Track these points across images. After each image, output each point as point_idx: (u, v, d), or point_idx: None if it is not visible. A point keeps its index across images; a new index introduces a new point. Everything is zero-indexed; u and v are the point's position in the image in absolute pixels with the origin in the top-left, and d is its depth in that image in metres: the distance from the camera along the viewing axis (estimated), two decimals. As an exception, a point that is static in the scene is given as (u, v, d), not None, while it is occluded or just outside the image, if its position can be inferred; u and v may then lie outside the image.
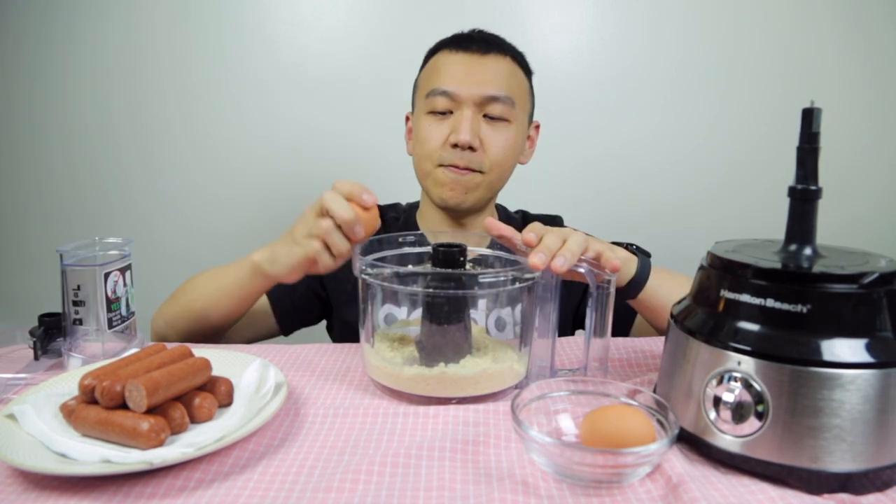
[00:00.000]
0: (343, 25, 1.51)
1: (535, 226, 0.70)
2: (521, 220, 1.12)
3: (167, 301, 0.94)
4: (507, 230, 0.73)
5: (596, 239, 0.73)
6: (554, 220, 1.12)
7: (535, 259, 0.65)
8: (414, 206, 1.12)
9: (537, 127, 1.08)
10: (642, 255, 0.81)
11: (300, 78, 1.53)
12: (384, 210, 1.13)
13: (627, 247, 0.81)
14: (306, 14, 1.51)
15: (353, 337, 1.03)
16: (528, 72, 1.03)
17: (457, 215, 1.03)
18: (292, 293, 1.02)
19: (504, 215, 1.12)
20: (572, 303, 1.05)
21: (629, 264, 0.78)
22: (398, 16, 1.49)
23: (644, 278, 0.79)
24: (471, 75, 0.95)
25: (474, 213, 1.04)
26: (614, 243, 0.78)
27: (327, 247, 0.72)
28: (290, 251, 0.75)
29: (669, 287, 0.80)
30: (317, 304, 1.07)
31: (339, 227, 0.71)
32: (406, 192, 1.15)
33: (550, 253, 0.65)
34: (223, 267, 0.89)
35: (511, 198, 1.14)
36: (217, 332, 0.92)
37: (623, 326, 1.02)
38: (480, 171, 0.97)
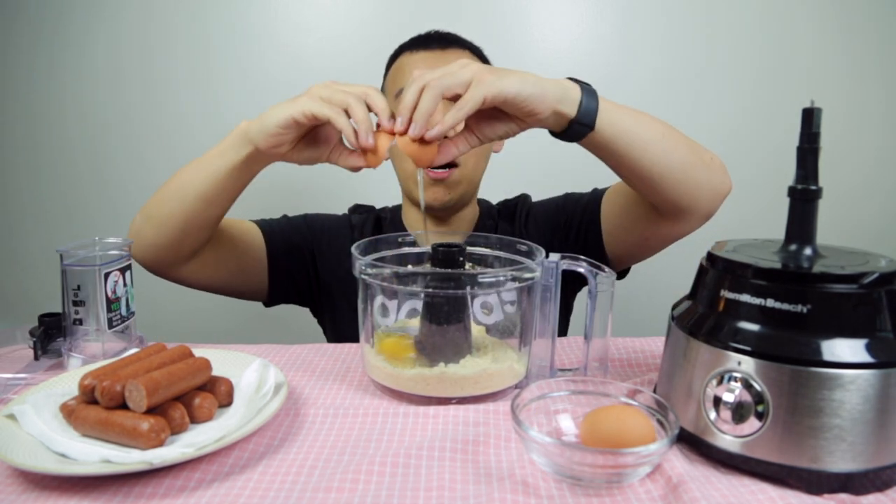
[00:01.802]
0: (344, 25, 1.51)
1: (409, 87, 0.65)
2: (497, 211, 1.13)
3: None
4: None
5: (465, 69, 0.65)
6: (523, 200, 1.12)
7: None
8: (398, 208, 1.13)
9: None
10: (586, 87, 0.69)
11: (301, 79, 1.52)
12: (379, 212, 1.13)
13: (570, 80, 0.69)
14: (307, 14, 1.51)
15: (345, 328, 1.05)
16: (486, 62, 1.05)
17: (439, 215, 1.04)
18: (288, 259, 1.01)
19: (485, 206, 1.12)
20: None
21: (569, 94, 0.67)
22: (398, 17, 1.49)
23: (592, 113, 0.68)
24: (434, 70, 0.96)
25: (457, 211, 1.05)
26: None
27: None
28: (292, 105, 0.70)
29: (636, 129, 0.70)
30: (305, 283, 1.06)
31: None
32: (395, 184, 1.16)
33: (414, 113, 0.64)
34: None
35: (512, 194, 1.14)
36: (192, 224, 0.84)
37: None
38: (456, 165, 0.97)
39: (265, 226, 1.02)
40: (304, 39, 1.52)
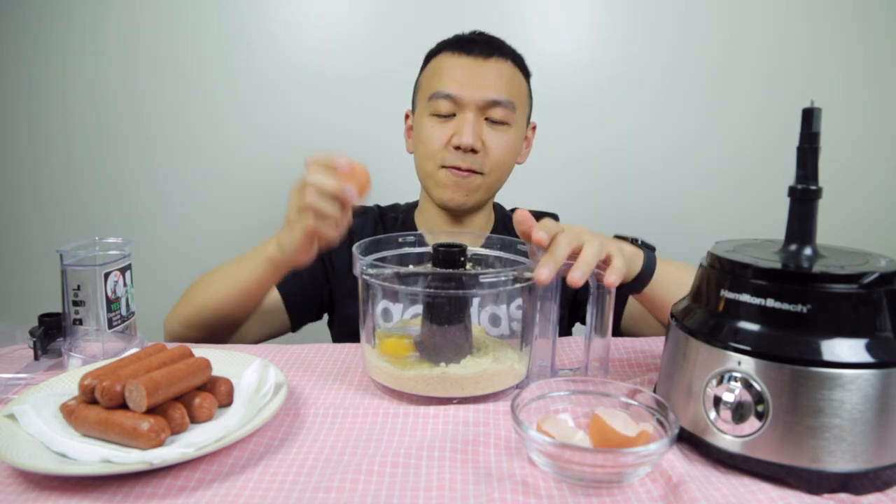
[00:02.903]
0: (343, 25, 1.51)
1: (547, 223, 0.68)
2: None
3: (179, 303, 0.94)
4: (532, 222, 0.69)
5: (608, 240, 0.71)
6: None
7: (541, 274, 0.63)
8: (413, 206, 1.13)
9: (534, 128, 1.10)
10: (647, 249, 0.80)
11: (300, 77, 1.53)
12: (384, 211, 1.13)
13: (633, 241, 0.79)
14: (306, 13, 1.51)
15: (350, 332, 1.04)
16: (527, 74, 1.04)
17: (456, 214, 1.05)
18: (301, 287, 1.02)
19: (500, 213, 1.13)
20: (568, 292, 1.06)
21: (635, 260, 0.76)
22: (398, 15, 1.49)
23: (649, 274, 0.77)
24: (473, 79, 0.96)
25: (473, 212, 1.05)
26: (617, 236, 0.77)
27: (323, 221, 0.74)
28: (290, 234, 0.77)
29: (675, 280, 0.78)
30: (324, 296, 1.07)
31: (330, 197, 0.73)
32: (408, 190, 1.15)
33: (557, 265, 0.64)
34: (233, 263, 0.90)
35: (512, 195, 1.14)
36: (234, 326, 0.94)
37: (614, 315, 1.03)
38: (481, 173, 0.99)
39: (283, 293, 1.02)
40: (304, 39, 1.52)
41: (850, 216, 1.54)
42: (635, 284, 0.77)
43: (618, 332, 1.03)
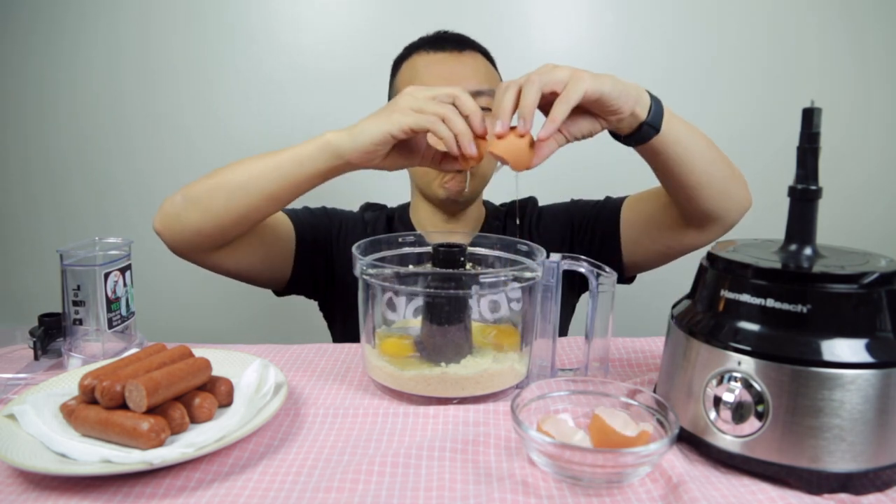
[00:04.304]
0: (344, 24, 1.51)
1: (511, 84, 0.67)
2: (505, 211, 1.13)
3: (195, 180, 0.85)
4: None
5: (578, 70, 0.68)
6: (533, 202, 1.13)
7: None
8: (406, 207, 1.14)
9: None
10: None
11: (305, 75, 1.53)
12: (389, 211, 1.13)
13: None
14: (308, 13, 1.51)
15: (356, 326, 1.04)
16: (495, 65, 1.06)
17: (451, 210, 1.05)
18: (313, 249, 1.00)
19: (491, 208, 1.14)
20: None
21: (642, 96, 0.70)
22: (398, 18, 1.49)
23: (660, 117, 0.71)
24: (454, 73, 0.97)
25: (467, 205, 1.06)
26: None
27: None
28: (386, 120, 0.70)
29: (688, 136, 0.74)
30: (322, 274, 1.04)
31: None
32: (399, 185, 1.16)
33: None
34: (277, 150, 0.80)
35: (505, 191, 1.14)
36: (249, 218, 0.83)
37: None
38: None
39: (293, 214, 1.01)
40: (303, 40, 1.52)
41: (850, 216, 1.54)
42: (643, 131, 0.72)
43: (622, 270, 1.00)
